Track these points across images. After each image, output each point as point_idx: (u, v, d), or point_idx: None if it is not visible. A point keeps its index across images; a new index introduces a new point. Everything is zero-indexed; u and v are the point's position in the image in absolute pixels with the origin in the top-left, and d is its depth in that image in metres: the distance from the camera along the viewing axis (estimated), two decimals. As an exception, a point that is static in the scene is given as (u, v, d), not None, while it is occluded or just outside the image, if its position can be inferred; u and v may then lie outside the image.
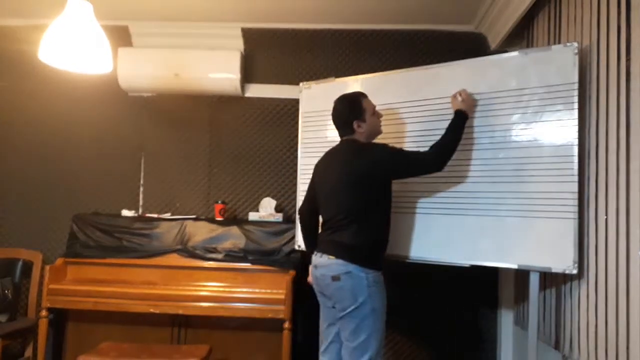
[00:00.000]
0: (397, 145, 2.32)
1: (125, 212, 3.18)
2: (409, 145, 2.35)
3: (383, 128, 2.20)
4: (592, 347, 1.95)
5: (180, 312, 2.69)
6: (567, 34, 2.24)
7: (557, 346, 2.30)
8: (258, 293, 2.71)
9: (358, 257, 1.98)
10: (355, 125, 2.11)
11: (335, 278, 1.98)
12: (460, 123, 2.10)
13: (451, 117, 2.11)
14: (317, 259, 2.08)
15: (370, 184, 2.03)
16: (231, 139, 3.29)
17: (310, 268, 2.15)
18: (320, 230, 2.22)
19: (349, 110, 2.13)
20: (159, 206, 3.30)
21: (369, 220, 2.03)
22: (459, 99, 2.15)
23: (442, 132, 2.07)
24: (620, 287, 1.76)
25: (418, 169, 2.08)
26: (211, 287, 2.80)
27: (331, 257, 2.01)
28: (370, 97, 2.13)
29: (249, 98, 3.29)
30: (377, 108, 2.17)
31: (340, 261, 1.98)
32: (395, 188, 2.09)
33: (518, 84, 2.13)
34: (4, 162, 3.31)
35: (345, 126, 2.14)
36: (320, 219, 2.23)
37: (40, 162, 3.29)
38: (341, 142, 2.18)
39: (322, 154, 2.22)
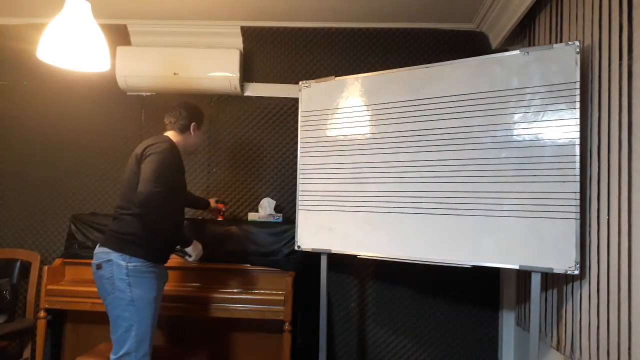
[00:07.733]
0: (397, 145, 2.31)
1: (124, 212, 3.16)
2: (409, 144, 2.33)
3: (384, 127, 2.18)
4: (594, 349, 1.94)
5: (179, 313, 2.68)
6: (569, 32, 2.23)
7: (558, 347, 2.29)
8: (257, 294, 2.69)
9: (121, 245, 1.99)
10: (192, 127, 2.27)
11: (98, 266, 2.01)
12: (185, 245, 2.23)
13: (451, 115, 2.08)
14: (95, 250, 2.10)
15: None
16: (230, 139, 3.28)
17: None
18: None
19: (192, 114, 2.28)
20: (157, 206, 3.27)
21: (146, 211, 1.99)
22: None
23: (443, 131, 2.05)
24: (622, 288, 1.75)
25: (143, 184, 1.96)
26: (210, 288, 2.78)
27: (101, 246, 2.05)
28: (371, 96, 2.12)
29: (248, 97, 3.27)
30: (377, 107, 2.15)
31: (104, 249, 2.02)
32: (396, 187, 2.07)
33: (519, 83, 2.12)
34: (1, 162, 3.29)
35: (177, 123, 2.25)
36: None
37: (38, 162, 3.28)
38: (160, 135, 2.21)
39: (321, 154, 2.19)
